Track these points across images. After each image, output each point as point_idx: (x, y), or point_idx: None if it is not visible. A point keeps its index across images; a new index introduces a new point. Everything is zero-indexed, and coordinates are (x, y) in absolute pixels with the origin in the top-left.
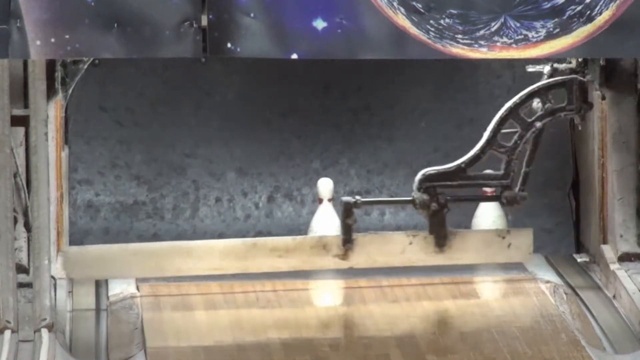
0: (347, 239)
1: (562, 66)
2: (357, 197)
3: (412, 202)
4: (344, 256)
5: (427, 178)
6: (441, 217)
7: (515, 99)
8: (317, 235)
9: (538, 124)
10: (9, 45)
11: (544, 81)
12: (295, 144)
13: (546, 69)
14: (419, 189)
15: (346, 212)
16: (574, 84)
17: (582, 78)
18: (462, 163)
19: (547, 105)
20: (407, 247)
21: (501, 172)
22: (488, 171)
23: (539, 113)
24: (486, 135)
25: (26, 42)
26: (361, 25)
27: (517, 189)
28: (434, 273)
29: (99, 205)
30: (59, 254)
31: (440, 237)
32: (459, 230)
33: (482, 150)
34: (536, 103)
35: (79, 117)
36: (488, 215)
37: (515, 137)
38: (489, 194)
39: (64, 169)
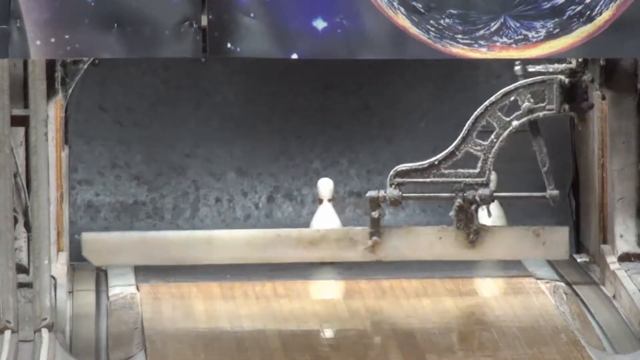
0: (374, 232)
1: (562, 66)
2: (382, 191)
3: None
4: (372, 249)
5: (398, 174)
6: (470, 213)
7: (493, 97)
8: (344, 227)
9: (515, 123)
10: (9, 45)
11: (522, 80)
12: (295, 144)
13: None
14: (390, 185)
15: (372, 206)
16: (554, 84)
17: (564, 78)
18: (435, 160)
19: (525, 104)
20: (436, 242)
21: (476, 170)
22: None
23: (517, 112)
24: (462, 133)
25: (26, 42)
26: (361, 25)
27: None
28: (434, 273)
29: (99, 205)
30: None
31: (471, 233)
32: (491, 226)
33: (457, 147)
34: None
35: (79, 117)
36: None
37: (492, 135)
38: None
39: (64, 169)
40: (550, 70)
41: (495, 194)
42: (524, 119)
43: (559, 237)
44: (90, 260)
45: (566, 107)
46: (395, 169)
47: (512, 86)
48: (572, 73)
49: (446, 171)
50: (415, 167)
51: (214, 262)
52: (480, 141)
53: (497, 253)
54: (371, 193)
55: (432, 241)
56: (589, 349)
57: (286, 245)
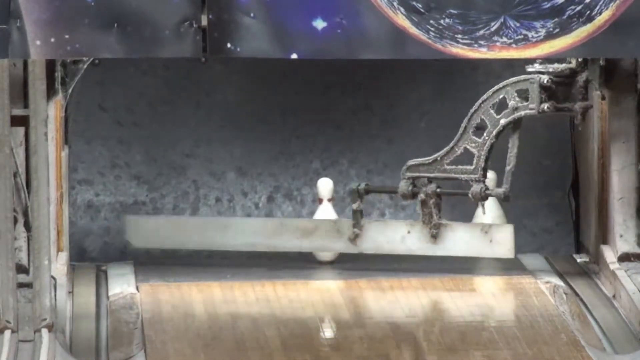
0: (355, 225)
1: (562, 66)
2: (362, 183)
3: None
4: (354, 241)
5: (409, 168)
6: (429, 208)
7: (485, 95)
8: (333, 218)
9: (502, 121)
10: (9, 45)
11: (512, 79)
12: (295, 144)
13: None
14: (402, 178)
15: (352, 198)
16: (535, 83)
17: (549, 77)
18: (438, 156)
19: (511, 102)
20: (406, 236)
21: (472, 166)
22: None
23: (505, 111)
24: (460, 129)
25: (26, 42)
26: (361, 25)
27: (505, 187)
28: (435, 273)
29: (99, 205)
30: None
31: (432, 228)
32: (449, 222)
33: (456, 144)
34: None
35: (79, 117)
36: (487, 214)
37: (485, 133)
38: None
39: (64, 169)
40: (550, 70)
41: (440, 190)
42: (510, 117)
43: (504, 236)
44: (133, 243)
45: (545, 107)
46: (407, 163)
47: (500, 84)
48: (571, 73)
49: (448, 167)
50: (422, 162)
51: (230, 249)
52: (476, 138)
53: (455, 250)
54: (352, 185)
55: (403, 235)
56: (588, 349)
57: (288, 233)
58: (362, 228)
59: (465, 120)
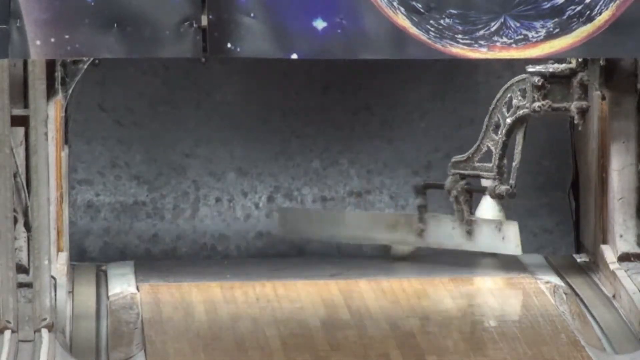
0: (420, 218)
1: (562, 66)
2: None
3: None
4: (420, 235)
5: (452, 165)
6: (460, 205)
7: (498, 93)
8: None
9: (508, 120)
10: (9, 45)
11: (515, 79)
12: (295, 144)
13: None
14: (448, 174)
15: (416, 194)
16: (527, 82)
17: (539, 77)
18: (470, 153)
19: (514, 101)
20: (452, 232)
21: (491, 164)
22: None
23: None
24: (483, 127)
25: (26, 42)
26: (361, 25)
27: (505, 185)
28: (434, 273)
29: (99, 205)
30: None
31: (466, 224)
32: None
33: (481, 141)
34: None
35: (79, 117)
36: (488, 210)
37: (499, 131)
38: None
39: (64, 169)
40: (551, 70)
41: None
42: (514, 116)
43: (510, 233)
44: (283, 232)
45: (537, 106)
46: (451, 159)
47: (508, 83)
48: (570, 73)
49: (477, 164)
50: (459, 159)
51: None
52: (494, 136)
53: (486, 246)
54: (417, 182)
55: (451, 231)
56: (588, 349)
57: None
58: (426, 223)
59: (487, 117)
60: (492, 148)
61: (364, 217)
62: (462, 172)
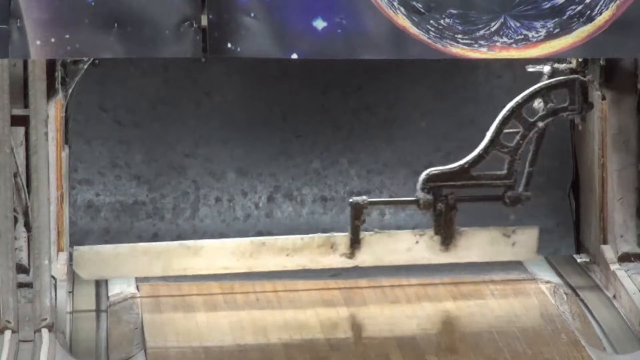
0: (355, 239)
1: (562, 66)
2: (364, 198)
3: (417, 202)
4: (351, 255)
5: (430, 178)
6: (449, 217)
7: (518, 98)
8: (325, 234)
9: (540, 124)
10: (9, 45)
11: (546, 81)
12: (295, 144)
13: (546, 68)
14: (422, 189)
15: (356, 213)
16: (576, 84)
17: (583, 78)
18: (465, 163)
19: (549, 105)
20: (414, 246)
21: (504, 172)
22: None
23: (541, 113)
24: (489, 135)
25: (26, 42)
26: (361, 25)
27: (520, 189)
28: (434, 273)
29: (99, 205)
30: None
31: (447, 237)
32: (465, 229)
33: (486, 150)
34: (537, 103)
35: (79, 117)
36: None
37: (518, 137)
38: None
39: (64, 169)
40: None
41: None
42: (549, 119)
43: (528, 238)
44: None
45: (586, 106)
46: (426, 172)
47: (537, 87)
48: (572, 73)
49: (474, 174)
50: (446, 170)
51: (200, 273)
52: (507, 143)
53: (468, 256)
54: (355, 199)
55: (410, 245)
56: (589, 349)
57: (271, 253)
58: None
59: (496, 124)
60: (507, 156)
61: None
62: (453, 183)
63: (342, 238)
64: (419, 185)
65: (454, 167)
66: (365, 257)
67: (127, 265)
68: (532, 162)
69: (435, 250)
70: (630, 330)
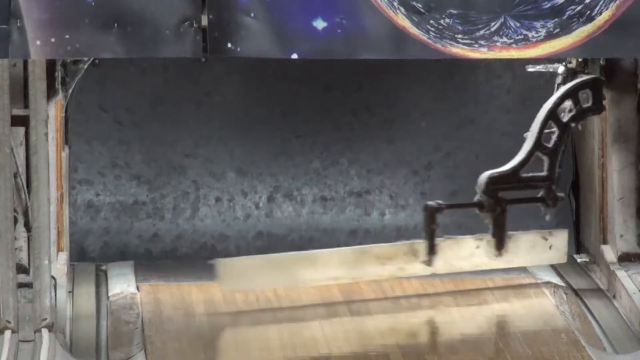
0: (432, 246)
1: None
2: (440, 202)
3: (481, 205)
4: (429, 261)
5: (492, 181)
6: (501, 221)
7: (553, 99)
8: (408, 242)
9: (573, 125)
10: (9, 45)
11: (576, 81)
12: (295, 144)
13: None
14: (485, 192)
15: (431, 218)
16: (600, 84)
17: (602, 78)
18: (516, 165)
19: (578, 105)
20: (475, 252)
21: (545, 173)
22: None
23: (572, 113)
24: (532, 137)
25: (26, 42)
26: (361, 25)
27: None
28: (434, 273)
29: (99, 205)
30: None
31: (500, 241)
32: (512, 232)
33: (531, 152)
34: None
35: (79, 117)
36: None
37: (555, 137)
38: None
39: (64, 169)
40: (551, 70)
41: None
42: (580, 120)
43: (561, 241)
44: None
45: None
46: (488, 175)
47: (569, 87)
48: (572, 73)
49: (523, 176)
50: (503, 173)
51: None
52: (546, 144)
53: (516, 261)
54: (430, 204)
55: (472, 251)
56: (589, 349)
57: (370, 262)
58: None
59: (539, 127)
60: (546, 157)
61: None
62: (506, 186)
63: (420, 245)
64: (481, 189)
65: (508, 170)
66: (440, 264)
67: (264, 276)
68: (561, 163)
69: (491, 256)
70: (630, 330)
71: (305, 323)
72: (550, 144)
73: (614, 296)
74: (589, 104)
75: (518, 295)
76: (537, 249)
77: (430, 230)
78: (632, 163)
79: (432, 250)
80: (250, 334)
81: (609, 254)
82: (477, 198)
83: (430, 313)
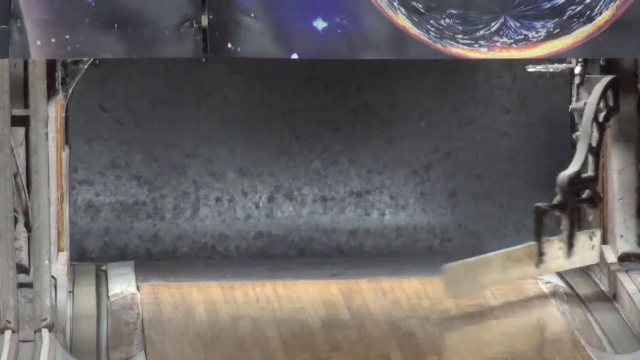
0: (540, 248)
1: (562, 66)
2: (545, 204)
3: (563, 206)
4: (538, 264)
5: (571, 182)
6: (572, 222)
7: (592, 100)
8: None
9: (607, 125)
10: (9, 45)
11: (606, 80)
12: (295, 144)
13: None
14: (566, 193)
15: (539, 219)
16: (621, 84)
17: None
18: (580, 167)
19: (609, 106)
20: (557, 252)
21: (592, 174)
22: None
23: (604, 113)
24: (585, 139)
25: (26, 42)
26: (361, 25)
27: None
28: (434, 273)
29: (99, 205)
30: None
31: (571, 242)
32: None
33: (586, 154)
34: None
35: (79, 117)
36: None
37: (597, 138)
38: None
39: (64, 169)
40: (551, 70)
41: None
42: (611, 118)
43: (598, 241)
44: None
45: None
46: (569, 176)
47: (603, 87)
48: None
49: (584, 176)
50: (574, 174)
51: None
52: (592, 145)
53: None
54: (540, 205)
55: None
56: (589, 349)
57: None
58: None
59: (591, 125)
60: (592, 157)
61: None
62: (577, 187)
63: (532, 248)
64: (564, 189)
65: (577, 172)
66: (544, 266)
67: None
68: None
69: (564, 256)
70: (630, 330)
71: (305, 323)
72: (595, 144)
73: (614, 296)
74: (611, 104)
75: (518, 295)
76: (587, 248)
77: (539, 232)
78: (632, 163)
79: (541, 252)
80: (250, 333)
81: (609, 254)
82: (558, 199)
83: (430, 313)
